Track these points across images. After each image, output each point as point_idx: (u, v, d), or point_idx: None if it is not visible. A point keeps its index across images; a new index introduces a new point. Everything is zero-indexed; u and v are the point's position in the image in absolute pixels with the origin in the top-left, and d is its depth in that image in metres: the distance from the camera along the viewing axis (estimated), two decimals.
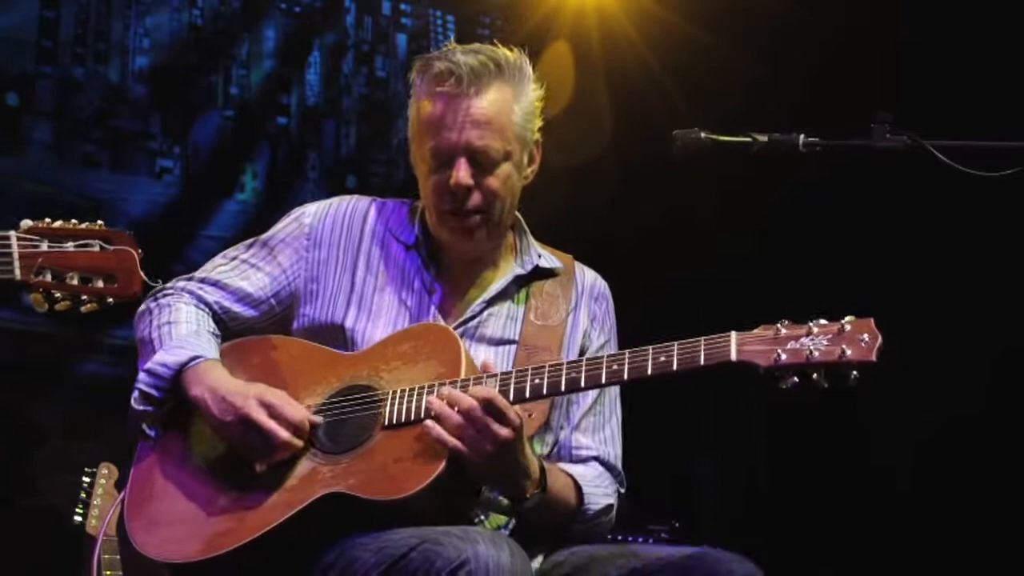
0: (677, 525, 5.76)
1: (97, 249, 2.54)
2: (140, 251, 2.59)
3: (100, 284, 2.54)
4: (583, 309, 2.82)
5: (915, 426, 5.81)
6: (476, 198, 2.69)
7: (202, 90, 6.47)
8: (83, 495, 4.39)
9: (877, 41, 5.78)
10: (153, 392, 2.62)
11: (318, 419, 2.57)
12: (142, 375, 2.63)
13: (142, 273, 2.59)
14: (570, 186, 6.34)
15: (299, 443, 2.53)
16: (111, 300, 2.56)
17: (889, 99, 2.89)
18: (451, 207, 2.69)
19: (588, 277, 2.88)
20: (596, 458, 2.77)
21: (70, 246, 2.53)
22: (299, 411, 2.56)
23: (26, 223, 2.55)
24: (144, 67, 6.31)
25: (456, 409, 2.43)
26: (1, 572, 5.10)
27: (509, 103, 2.72)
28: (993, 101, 5.25)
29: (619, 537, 5.54)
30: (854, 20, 5.89)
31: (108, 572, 4.20)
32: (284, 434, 2.52)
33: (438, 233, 2.75)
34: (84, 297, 2.54)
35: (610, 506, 2.73)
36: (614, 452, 2.82)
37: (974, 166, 2.64)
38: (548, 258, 2.84)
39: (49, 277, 2.51)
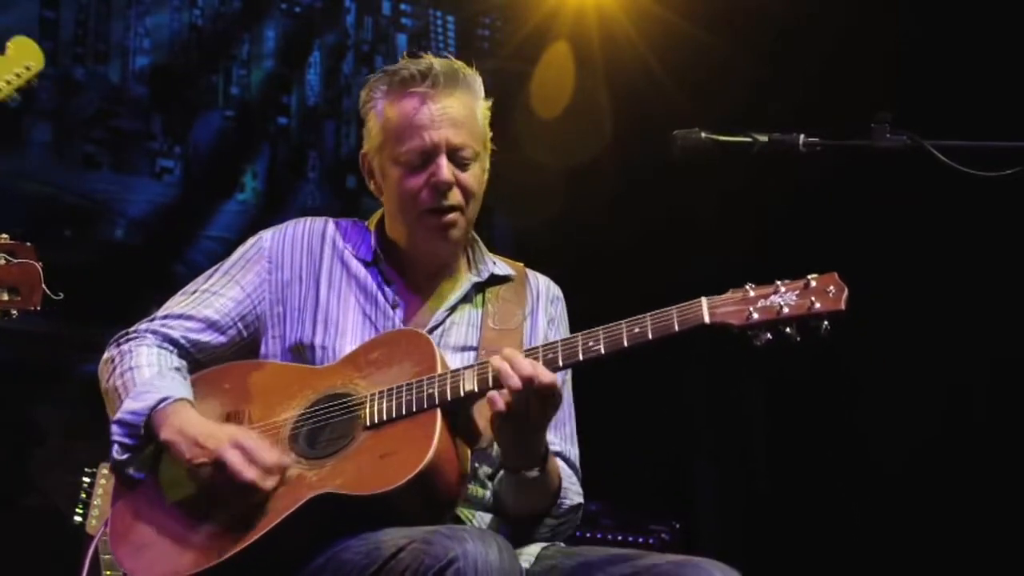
0: (677, 526, 5.76)
1: (2, 262, 2.55)
2: (41, 264, 2.60)
3: (4, 296, 2.54)
4: (540, 312, 2.87)
5: (913, 428, 5.81)
6: (456, 195, 2.73)
7: (202, 90, 6.47)
8: (83, 495, 4.39)
9: (877, 41, 5.78)
10: (127, 441, 2.62)
11: (289, 460, 2.55)
12: (114, 427, 2.62)
13: (44, 287, 2.59)
14: (570, 186, 6.34)
15: (270, 485, 2.51)
16: (14, 312, 2.57)
17: (889, 99, 2.89)
18: (432, 205, 2.72)
19: (541, 282, 2.93)
20: (559, 453, 2.77)
21: None
22: (272, 454, 2.54)
23: None
24: (144, 67, 6.32)
25: (519, 375, 2.45)
26: (1, 572, 5.10)
27: (474, 108, 2.78)
28: (993, 101, 5.25)
29: (619, 537, 5.56)
30: (854, 20, 5.89)
31: (108, 572, 4.20)
32: (254, 474, 2.50)
33: (411, 237, 2.77)
34: None
35: (579, 505, 2.75)
36: (575, 452, 2.85)
37: (974, 166, 2.65)
38: (501, 266, 2.89)
39: None
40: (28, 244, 2.60)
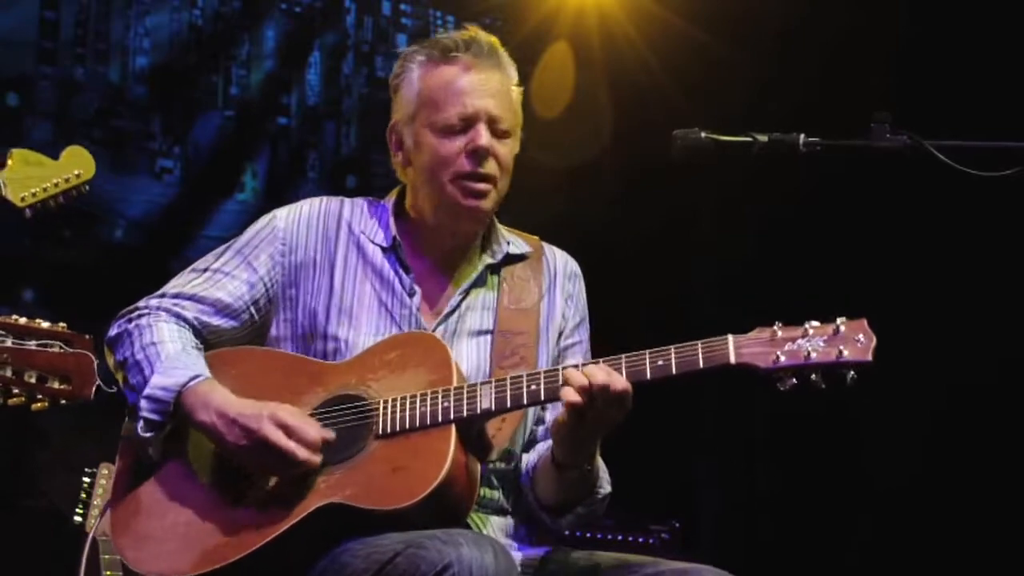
0: (677, 526, 5.75)
1: (57, 350, 2.55)
2: (96, 357, 2.61)
3: (56, 384, 2.55)
4: (558, 290, 2.84)
5: (915, 431, 5.81)
6: (492, 165, 2.70)
7: (202, 90, 6.47)
8: (83, 495, 4.39)
9: (877, 41, 5.78)
10: (156, 417, 2.58)
11: (331, 434, 2.54)
12: (143, 402, 2.58)
13: (97, 378, 2.60)
14: (570, 186, 6.34)
15: (317, 460, 2.51)
16: (64, 401, 2.57)
17: (889, 99, 2.90)
18: (469, 170, 2.68)
19: (559, 257, 2.89)
20: None
21: (32, 344, 2.54)
22: (314, 429, 2.53)
23: None
24: (144, 67, 6.32)
25: (592, 384, 2.44)
26: (1, 572, 5.10)
27: (510, 88, 2.78)
28: (993, 101, 5.25)
29: (619, 537, 5.56)
30: (854, 20, 5.89)
31: (108, 573, 4.20)
32: (304, 453, 2.50)
33: (439, 207, 2.72)
34: (39, 395, 2.55)
35: (608, 494, 2.73)
36: None
37: (974, 166, 2.64)
38: (517, 243, 2.85)
39: (9, 372, 2.52)
40: (87, 336, 2.61)
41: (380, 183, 6.69)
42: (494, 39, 2.79)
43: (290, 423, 2.51)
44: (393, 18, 6.99)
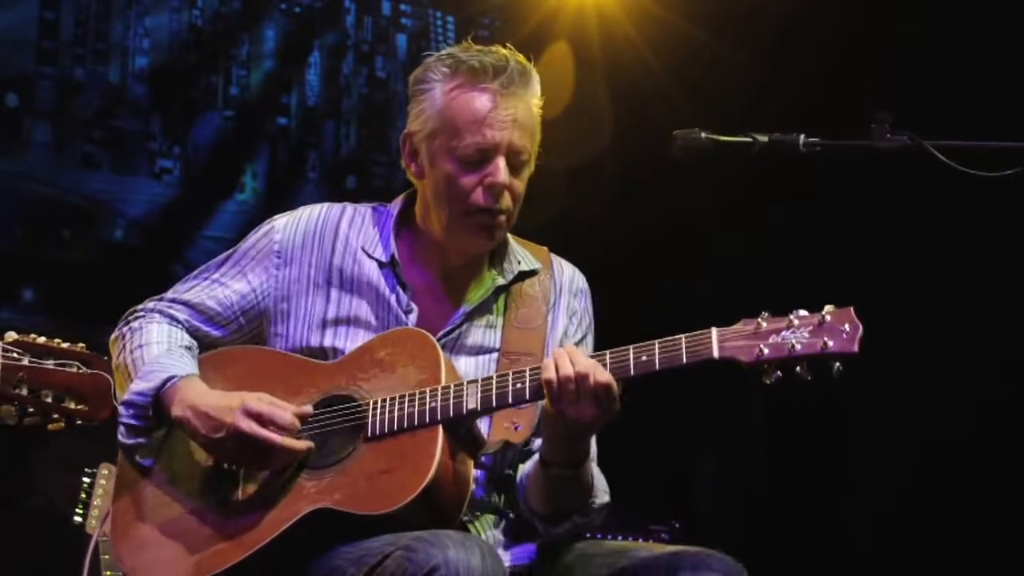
0: (677, 525, 5.76)
1: (75, 370, 2.55)
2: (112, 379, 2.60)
3: (72, 405, 2.54)
4: (562, 306, 2.80)
5: (913, 427, 5.81)
6: (506, 199, 2.67)
7: (202, 90, 6.47)
8: (83, 495, 4.39)
9: (877, 41, 5.78)
10: (135, 423, 2.61)
11: (308, 409, 2.56)
12: (121, 408, 2.61)
13: (114, 400, 2.60)
14: (569, 187, 6.33)
15: (298, 446, 2.53)
16: (80, 421, 2.56)
17: (889, 99, 2.89)
18: (484, 205, 2.65)
19: (566, 272, 2.86)
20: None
21: (50, 363, 2.53)
22: (287, 413, 2.55)
23: (11, 335, 2.55)
24: (144, 67, 6.32)
25: (576, 376, 2.41)
26: (1, 572, 5.10)
27: (535, 109, 2.72)
28: (993, 101, 5.25)
29: (619, 537, 5.56)
30: (854, 20, 5.89)
31: (108, 573, 4.20)
32: (280, 439, 2.52)
33: (449, 230, 2.69)
34: (54, 415, 2.54)
35: (606, 504, 2.71)
36: (594, 451, 2.80)
37: (974, 166, 2.64)
38: (527, 259, 2.82)
39: (25, 391, 2.50)
40: (105, 358, 2.61)
41: (380, 183, 6.69)
42: (523, 60, 2.70)
43: (261, 410, 2.53)
44: (393, 18, 6.99)
